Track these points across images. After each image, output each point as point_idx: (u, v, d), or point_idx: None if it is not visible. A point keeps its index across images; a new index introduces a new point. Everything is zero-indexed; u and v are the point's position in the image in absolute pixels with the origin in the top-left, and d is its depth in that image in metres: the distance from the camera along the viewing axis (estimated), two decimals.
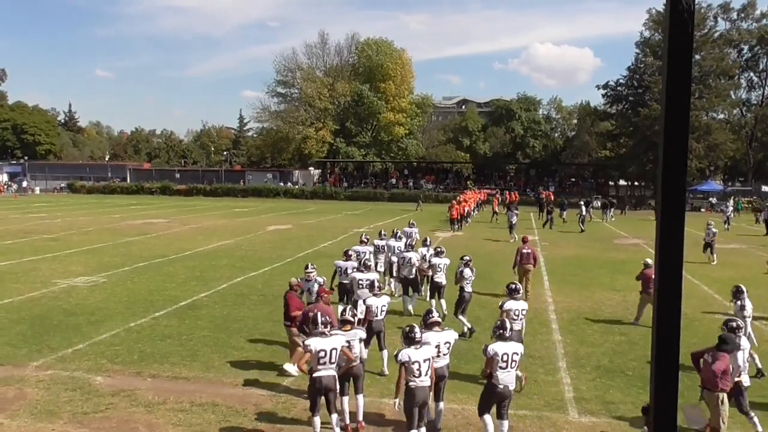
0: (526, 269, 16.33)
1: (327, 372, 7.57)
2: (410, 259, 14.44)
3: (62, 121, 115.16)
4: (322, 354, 7.54)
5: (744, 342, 8.32)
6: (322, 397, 7.64)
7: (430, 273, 14.32)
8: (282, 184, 69.51)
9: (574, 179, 67.67)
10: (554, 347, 12.08)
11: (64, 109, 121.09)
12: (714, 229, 23.36)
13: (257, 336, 12.35)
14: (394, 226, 23.89)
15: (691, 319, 13.80)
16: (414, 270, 14.35)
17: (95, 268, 19.86)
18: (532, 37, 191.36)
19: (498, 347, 7.50)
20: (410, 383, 7.16)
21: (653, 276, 8.91)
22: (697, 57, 53.34)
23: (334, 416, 7.72)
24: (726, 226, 35.85)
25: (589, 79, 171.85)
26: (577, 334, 13.02)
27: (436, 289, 14.05)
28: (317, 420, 7.60)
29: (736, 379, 7.88)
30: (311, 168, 76.65)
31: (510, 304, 10.03)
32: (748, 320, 10.56)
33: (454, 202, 35.03)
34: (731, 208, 38.87)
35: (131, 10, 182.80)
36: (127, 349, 11.47)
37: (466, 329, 12.31)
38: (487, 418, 7.55)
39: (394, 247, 16.43)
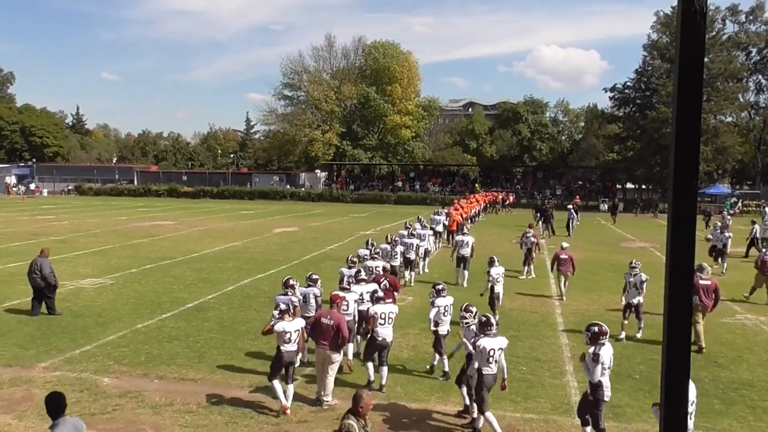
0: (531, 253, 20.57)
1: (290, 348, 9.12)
2: (468, 242, 18.70)
3: (70, 123, 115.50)
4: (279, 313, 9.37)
5: (440, 301, 10.51)
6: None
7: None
8: (289, 186, 69.58)
9: (581, 182, 67.49)
10: (561, 351, 12.04)
11: (71, 111, 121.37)
12: (533, 239, 20.49)
13: (264, 338, 12.34)
14: (398, 228, 23.85)
15: None
16: (469, 249, 18.53)
17: (103, 270, 19.93)
18: (537, 40, 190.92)
19: (377, 308, 9.98)
20: (282, 348, 8.91)
21: (562, 255, 12.88)
22: (705, 59, 53.01)
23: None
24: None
25: (596, 82, 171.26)
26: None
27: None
28: None
29: (432, 328, 10.41)
30: (318, 170, 76.61)
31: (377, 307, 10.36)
32: (498, 284, 14.07)
33: (452, 209, 29.70)
34: (728, 217, 36.81)
35: (136, 14, 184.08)
36: (134, 351, 11.51)
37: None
38: (369, 364, 9.90)
39: (424, 234, 20.91)
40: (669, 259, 1.69)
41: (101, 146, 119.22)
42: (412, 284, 18.09)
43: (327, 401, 9.12)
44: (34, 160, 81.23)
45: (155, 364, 10.81)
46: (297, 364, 9.43)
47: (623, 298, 13.33)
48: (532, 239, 20.24)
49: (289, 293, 10.60)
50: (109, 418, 8.53)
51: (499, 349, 8.30)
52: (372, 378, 9.86)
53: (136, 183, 73.83)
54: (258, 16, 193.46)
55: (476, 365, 8.26)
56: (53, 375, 10.12)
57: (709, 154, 55.01)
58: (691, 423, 6.92)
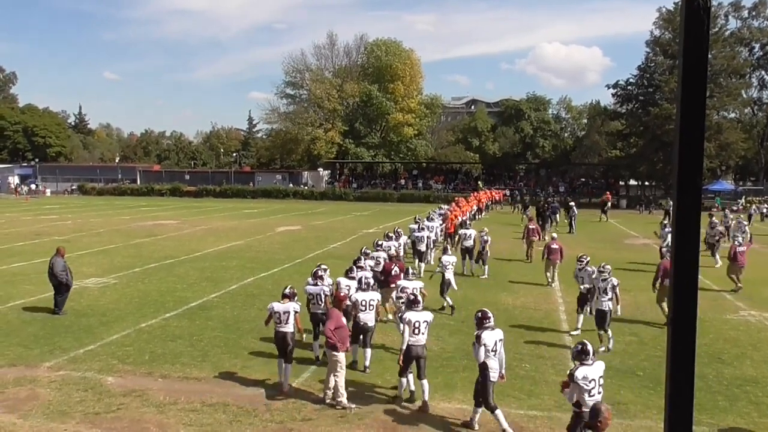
0: (531, 242, 22.57)
1: (284, 328, 9.73)
2: (471, 234, 19.68)
3: (72, 123, 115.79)
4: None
5: (402, 282, 11.88)
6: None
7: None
8: (291, 185, 69.56)
9: (584, 179, 67.39)
10: (564, 348, 12.02)
11: (74, 111, 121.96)
12: (486, 237, 19.81)
13: (267, 336, 12.31)
14: (399, 226, 23.85)
15: (702, 320, 13.70)
16: (472, 242, 19.52)
17: (106, 270, 19.96)
18: (539, 37, 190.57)
19: (359, 296, 10.69)
20: (277, 328, 9.72)
21: (553, 245, 13.71)
22: (708, 56, 52.82)
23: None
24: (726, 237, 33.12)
25: (598, 79, 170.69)
26: (588, 334, 12.95)
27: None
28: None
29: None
30: (320, 169, 76.58)
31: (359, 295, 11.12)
32: (447, 271, 14.86)
33: (450, 211, 27.69)
34: (730, 216, 35.19)
35: (138, 14, 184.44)
36: (138, 350, 11.53)
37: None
38: (365, 352, 10.55)
39: (432, 227, 22.75)
40: (674, 256, 1.69)
41: (104, 146, 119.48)
42: (422, 275, 18.05)
43: (340, 401, 8.94)
44: (36, 160, 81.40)
45: (159, 363, 10.83)
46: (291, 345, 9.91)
47: (590, 307, 12.44)
48: (486, 237, 19.82)
49: (319, 284, 11.11)
50: (113, 417, 8.55)
51: (424, 322, 9.13)
52: (364, 363, 10.61)
53: (138, 182, 73.84)
54: (259, 16, 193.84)
55: (406, 335, 9.06)
56: (57, 374, 10.15)
57: (713, 151, 54.85)
58: (599, 398, 7.22)
